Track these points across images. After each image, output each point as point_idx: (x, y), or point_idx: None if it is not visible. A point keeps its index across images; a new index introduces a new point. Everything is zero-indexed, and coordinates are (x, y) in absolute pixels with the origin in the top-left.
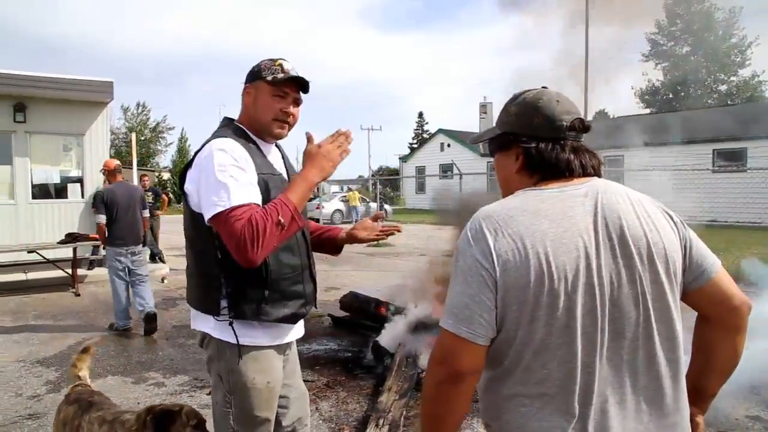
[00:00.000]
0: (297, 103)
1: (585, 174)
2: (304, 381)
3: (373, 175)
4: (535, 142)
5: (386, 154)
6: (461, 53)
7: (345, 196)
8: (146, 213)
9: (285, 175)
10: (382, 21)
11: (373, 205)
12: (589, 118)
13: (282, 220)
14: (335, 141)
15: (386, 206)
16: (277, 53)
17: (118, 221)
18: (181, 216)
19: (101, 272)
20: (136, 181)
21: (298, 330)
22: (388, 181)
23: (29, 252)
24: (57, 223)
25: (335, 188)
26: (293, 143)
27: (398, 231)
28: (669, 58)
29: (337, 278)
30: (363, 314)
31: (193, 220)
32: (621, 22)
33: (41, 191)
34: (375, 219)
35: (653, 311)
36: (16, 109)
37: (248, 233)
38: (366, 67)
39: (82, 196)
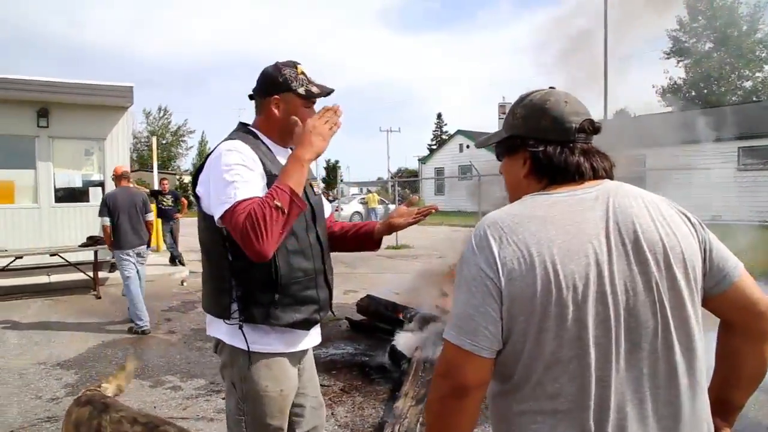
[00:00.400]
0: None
1: (596, 177)
2: (321, 386)
3: (392, 177)
4: (543, 146)
5: (405, 155)
6: (480, 53)
7: (364, 198)
8: (150, 216)
9: None
10: (400, 22)
11: (392, 207)
12: (609, 116)
13: (279, 204)
14: (323, 117)
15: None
16: (296, 55)
17: (121, 224)
18: None
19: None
20: (156, 185)
21: (314, 337)
22: (407, 182)
23: (51, 255)
24: (79, 227)
25: (354, 190)
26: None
27: (435, 210)
28: (691, 55)
29: (355, 280)
30: (380, 318)
31: (206, 222)
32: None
33: (64, 195)
34: (409, 205)
35: (672, 319)
36: (39, 115)
37: (249, 224)
38: (385, 69)
39: None
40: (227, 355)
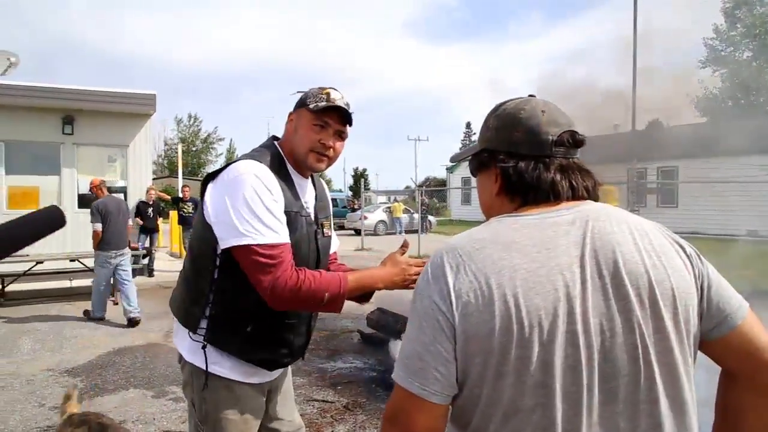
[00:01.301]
0: (340, 136)
1: (576, 197)
2: (325, 402)
3: (418, 186)
4: (515, 161)
5: (433, 164)
6: (510, 63)
7: (389, 207)
8: (130, 222)
9: (312, 216)
10: (428, 32)
11: (416, 216)
12: (641, 127)
13: (327, 297)
14: (422, 267)
15: (430, 218)
16: (324, 65)
17: (110, 228)
18: None
19: (140, 281)
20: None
21: (278, 372)
22: (434, 192)
23: (71, 261)
24: None
25: (382, 198)
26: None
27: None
28: (728, 64)
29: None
30: (391, 331)
31: (203, 232)
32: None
33: (87, 201)
34: (402, 251)
35: (657, 367)
36: (64, 122)
37: (292, 284)
38: (414, 78)
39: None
40: (188, 373)
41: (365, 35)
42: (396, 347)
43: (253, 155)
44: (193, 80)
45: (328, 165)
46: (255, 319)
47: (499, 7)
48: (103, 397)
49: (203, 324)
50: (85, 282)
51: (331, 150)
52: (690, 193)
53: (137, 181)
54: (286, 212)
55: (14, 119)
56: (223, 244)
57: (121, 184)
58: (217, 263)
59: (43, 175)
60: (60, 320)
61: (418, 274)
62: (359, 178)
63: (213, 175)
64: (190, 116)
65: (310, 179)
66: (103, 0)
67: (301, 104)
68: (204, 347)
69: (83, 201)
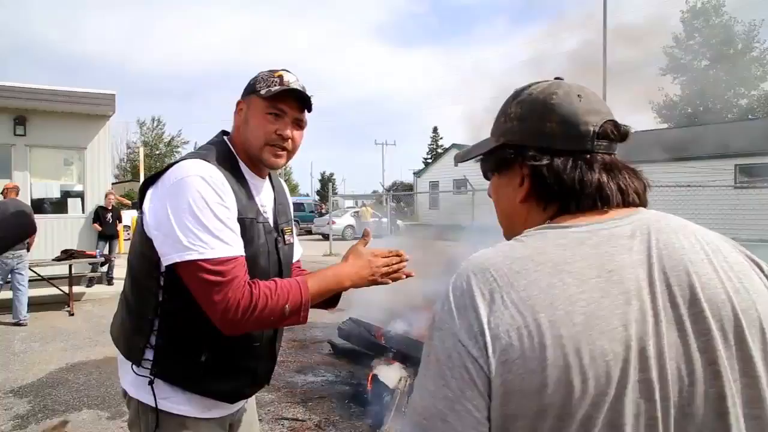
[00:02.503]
0: (298, 124)
1: (625, 203)
2: (296, 420)
3: (386, 190)
4: (548, 157)
5: (401, 169)
6: (476, 68)
7: (357, 212)
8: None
9: (271, 222)
10: (397, 37)
11: (384, 221)
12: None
13: (288, 309)
14: (389, 257)
15: (399, 222)
16: (291, 67)
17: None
18: None
19: (100, 290)
20: None
21: (241, 403)
22: (401, 196)
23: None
24: (57, 239)
25: (349, 203)
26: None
27: (406, 271)
28: (687, 72)
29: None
30: (363, 342)
31: (142, 246)
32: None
33: (41, 206)
34: (365, 242)
35: (745, 422)
36: (16, 122)
37: (245, 303)
38: (381, 83)
39: (83, 210)
40: (134, 410)
41: (333, 38)
42: (383, 367)
43: (199, 153)
44: (156, 82)
45: (288, 159)
46: (210, 345)
47: (466, 12)
48: (52, 419)
49: (148, 355)
50: (40, 292)
51: (290, 142)
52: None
53: (95, 185)
54: (240, 220)
55: None
56: (166, 260)
57: (78, 188)
58: (161, 283)
59: None
60: (9, 334)
61: (386, 265)
62: (326, 182)
63: (153, 179)
64: (153, 119)
65: (267, 179)
66: None
67: (251, 90)
68: (151, 382)
69: (36, 205)
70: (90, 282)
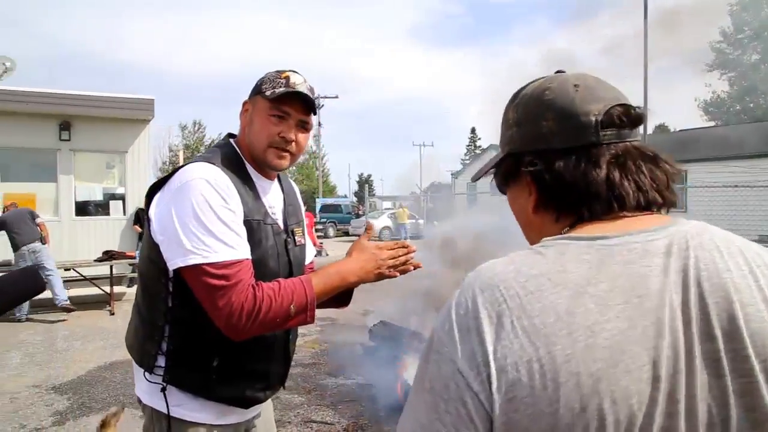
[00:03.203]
0: (303, 127)
1: (646, 205)
2: (324, 423)
3: (423, 192)
4: (545, 160)
5: (439, 170)
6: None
7: (394, 213)
8: (39, 219)
9: (281, 222)
10: (433, 37)
11: (422, 222)
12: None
13: (293, 310)
14: (394, 250)
15: (435, 223)
16: (330, 71)
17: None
18: None
19: None
20: None
21: (257, 408)
22: (439, 197)
23: (66, 270)
24: (99, 240)
25: (387, 204)
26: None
27: (414, 262)
28: (735, 67)
29: (375, 298)
30: (394, 345)
31: (150, 252)
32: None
33: (84, 208)
34: (368, 235)
35: None
36: (61, 128)
37: (248, 307)
38: (420, 84)
39: (124, 212)
40: (147, 418)
41: (371, 40)
42: (413, 372)
43: (205, 156)
44: (196, 87)
45: (292, 162)
46: (222, 350)
47: (503, 12)
48: (89, 417)
49: (160, 362)
50: (82, 291)
51: (294, 144)
52: (699, 198)
53: (136, 187)
54: (247, 222)
55: (10, 125)
56: (171, 265)
57: (119, 190)
58: (170, 288)
59: (39, 182)
60: (52, 332)
61: (392, 257)
62: (364, 183)
63: (159, 184)
64: (194, 123)
65: (276, 180)
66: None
67: (257, 91)
68: (163, 389)
69: (80, 208)
70: (130, 282)
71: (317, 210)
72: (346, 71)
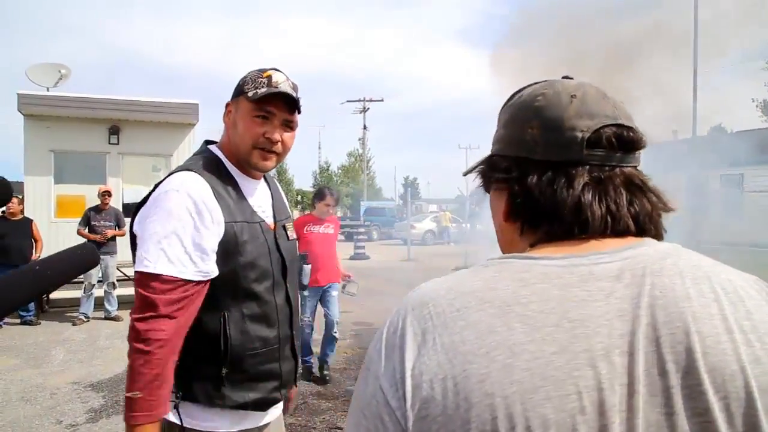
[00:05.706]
0: (289, 126)
1: (617, 232)
2: (340, 429)
3: (468, 195)
4: (520, 170)
5: None
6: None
7: (437, 216)
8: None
9: (271, 220)
10: (481, 39)
11: (466, 226)
12: (703, 133)
13: (136, 386)
14: None
15: (479, 226)
16: (377, 73)
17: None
18: None
19: None
20: None
21: (273, 411)
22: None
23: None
24: None
25: (433, 207)
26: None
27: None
28: None
29: (394, 302)
30: None
31: None
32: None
33: (131, 209)
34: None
35: None
36: (110, 132)
37: (144, 335)
38: (466, 86)
39: None
40: (161, 429)
41: (417, 43)
42: None
43: (186, 165)
44: None
45: (278, 162)
46: (227, 358)
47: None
48: (120, 415)
49: None
50: (127, 291)
51: (279, 144)
52: (757, 203)
53: None
54: (229, 225)
55: (63, 129)
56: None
57: None
58: None
59: (89, 184)
60: (96, 330)
61: None
62: (409, 186)
63: (146, 198)
64: None
65: (262, 179)
66: (160, 13)
67: (239, 92)
68: (176, 406)
69: (128, 209)
70: None
71: (361, 213)
72: (393, 73)
